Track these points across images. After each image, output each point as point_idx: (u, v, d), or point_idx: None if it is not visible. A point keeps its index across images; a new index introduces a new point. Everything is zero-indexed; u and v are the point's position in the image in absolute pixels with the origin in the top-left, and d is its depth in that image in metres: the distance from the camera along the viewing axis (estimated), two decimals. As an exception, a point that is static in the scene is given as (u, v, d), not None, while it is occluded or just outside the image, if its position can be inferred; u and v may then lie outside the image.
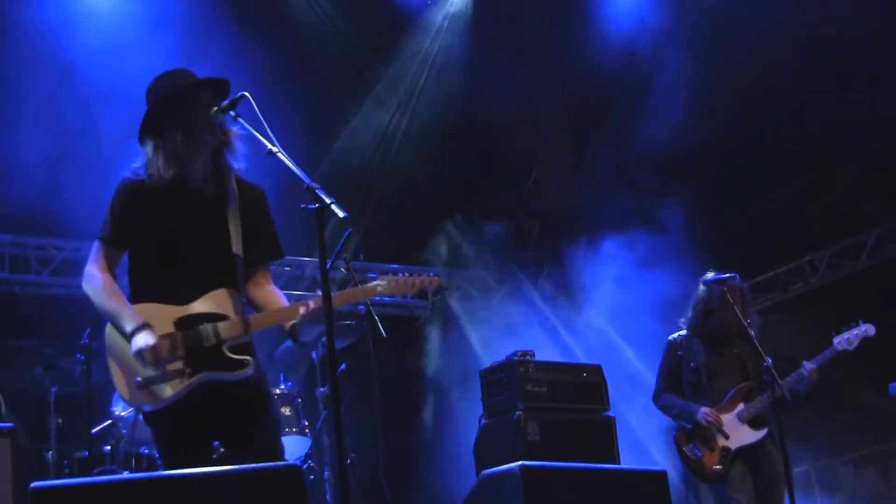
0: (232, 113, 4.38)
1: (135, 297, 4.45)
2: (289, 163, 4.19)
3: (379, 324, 7.18)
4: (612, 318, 11.79)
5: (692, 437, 6.88)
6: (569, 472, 5.29)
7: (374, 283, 4.51)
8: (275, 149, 4.23)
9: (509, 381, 7.29)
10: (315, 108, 10.85)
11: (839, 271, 11.55)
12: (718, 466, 6.72)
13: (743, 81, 10.80)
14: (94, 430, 6.90)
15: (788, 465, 6.24)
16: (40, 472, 6.87)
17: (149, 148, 4.49)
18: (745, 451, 6.75)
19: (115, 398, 7.38)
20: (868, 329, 6.85)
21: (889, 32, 9.83)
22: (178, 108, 4.45)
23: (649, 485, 5.42)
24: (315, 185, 4.09)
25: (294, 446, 7.19)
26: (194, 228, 4.47)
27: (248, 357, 4.38)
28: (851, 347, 6.82)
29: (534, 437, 7.00)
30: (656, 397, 7.17)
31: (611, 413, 7.52)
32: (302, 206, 4.08)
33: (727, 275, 6.89)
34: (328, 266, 4.13)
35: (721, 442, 6.77)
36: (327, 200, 4.05)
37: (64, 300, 9.50)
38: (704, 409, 6.82)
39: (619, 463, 7.29)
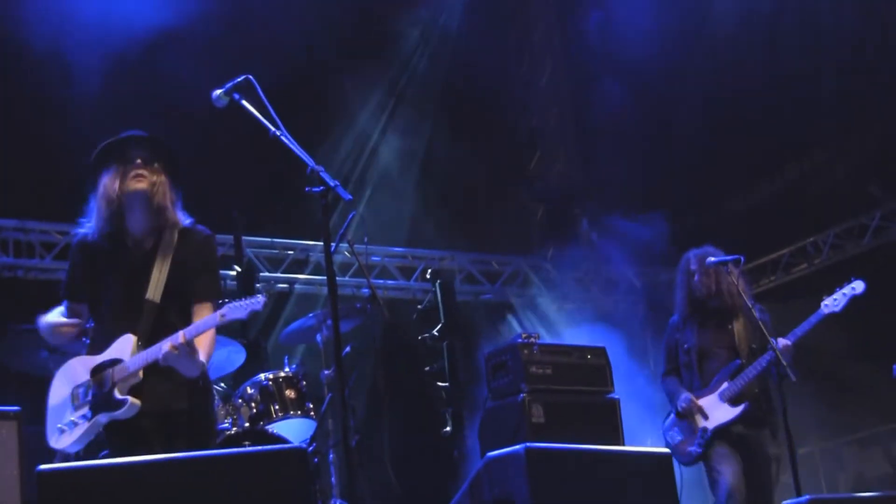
0: (236, 96, 4.39)
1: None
2: (292, 146, 4.19)
3: (383, 306, 7.18)
4: (611, 300, 11.82)
5: (676, 422, 6.97)
6: (573, 454, 5.29)
7: (215, 314, 4.52)
8: (278, 132, 4.24)
9: (513, 363, 7.30)
10: (313, 91, 10.83)
11: (843, 252, 11.53)
12: (693, 447, 6.79)
13: (747, 63, 10.77)
14: (99, 414, 6.89)
15: (792, 445, 6.23)
16: (46, 455, 6.88)
17: (92, 202, 4.74)
18: (724, 430, 6.76)
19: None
20: (856, 286, 6.81)
21: (891, 16, 9.81)
22: (111, 158, 4.66)
23: (654, 466, 5.42)
24: (319, 167, 4.10)
25: (299, 429, 7.20)
26: (119, 281, 4.69)
27: (127, 398, 4.53)
28: (838, 308, 6.78)
29: (538, 419, 7.02)
30: (662, 381, 7.27)
31: (615, 395, 7.52)
32: (306, 189, 4.08)
33: (731, 257, 6.86)
34: (332, 249, 4.14)
35: (701, 423, 6.81)
36: (331, 183, 4.06)
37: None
38: (683, 396, 6.89)
39: (623, 444, 7.29)
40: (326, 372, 7.50)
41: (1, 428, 4.91)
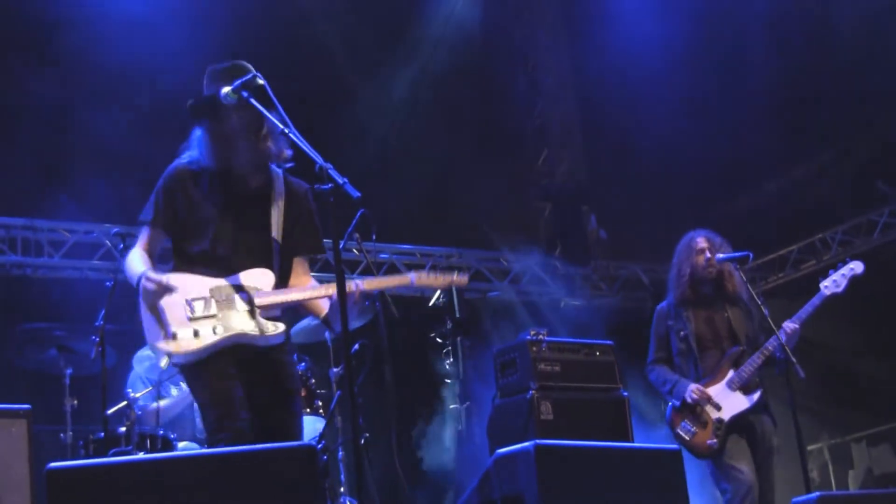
0: (244, 93, 4.39)
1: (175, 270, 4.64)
2: (301, 143, 4.19)
3: (391, 304, 7.17)
4: (619, 297, 11.79)
5: (684, 414, 6.74)
6: (582, 451, 5.29)
7: (406, 275, 4.67)
8: (287, 129, 4.24)
9: (522, 360, 7.29)
10: (325, 87, 10.84)
11: (851, 249, 11.52)
12: (713, 441, 6.58)
13: (751, 60, 10.77)
14: (108, 412, 6.92)
15: (802, 441, 6.20)
16: (56, 453, 6.90)
17: (199, 131, 4.69)
18: (739, 420, 6.62)
19: (131, 380, 7.41)
20: (856, 266, 6.60)
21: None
22: (234, 109, 4.55)
23: (663, 463, 5.42)
24: (328, 164, 4.09)
25: (308, 427, 7.20)
26: (236, 211, 4.65)
27: (279, 322, 4.57)
28: (840, 290, 6.58)
29: (547, 416, 7.00)
30: (649, 370, 7.06)
31: (624, 391, 7.51)
32: (315, 186, 4.08)
33: (739, 253, 6.81)
34: (341, 247, 4.13)
35: (714, 414, 6.63)
36: (340, 180, 4.05)
37: (76, 282, 9.56)
38: (691, 386, 6.69)
39: (632, 441, 7.28)
40: (335, 370, 7.52)
41: (11, 426, 4.91)
